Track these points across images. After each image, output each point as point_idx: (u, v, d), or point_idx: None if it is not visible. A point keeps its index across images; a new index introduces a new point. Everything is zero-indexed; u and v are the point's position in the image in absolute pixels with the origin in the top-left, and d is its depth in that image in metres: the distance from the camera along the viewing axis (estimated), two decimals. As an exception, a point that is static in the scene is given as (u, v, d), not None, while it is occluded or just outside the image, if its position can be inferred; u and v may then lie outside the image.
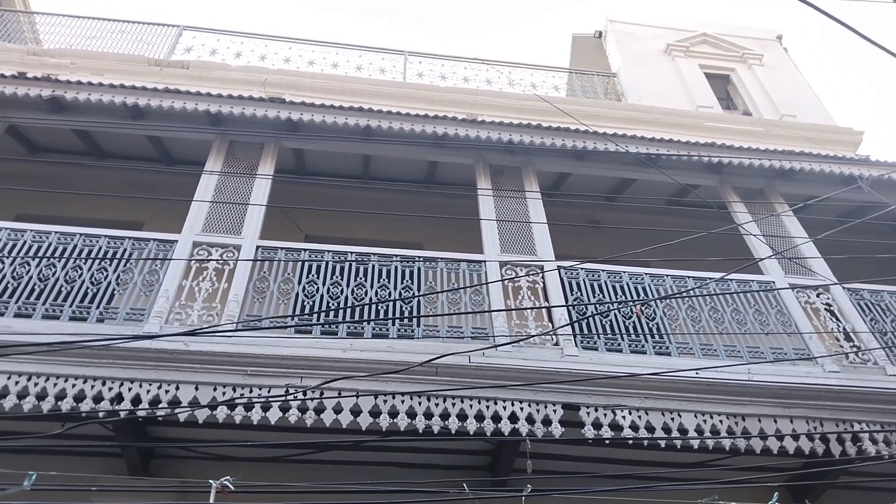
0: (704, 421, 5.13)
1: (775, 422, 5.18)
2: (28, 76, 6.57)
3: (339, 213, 7.13)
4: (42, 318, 5.05)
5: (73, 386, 4.66)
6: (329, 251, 5.93)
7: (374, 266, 5.86)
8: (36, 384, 4.66)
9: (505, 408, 4.90)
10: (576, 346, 5.41)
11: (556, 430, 4.86)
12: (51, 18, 10.19)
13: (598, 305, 5.78)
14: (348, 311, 5.51)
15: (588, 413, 4.98)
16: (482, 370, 5.03)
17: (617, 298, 5.93)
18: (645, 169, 7.18)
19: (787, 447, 5.06)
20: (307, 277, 5.74)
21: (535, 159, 7.02)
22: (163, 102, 6.44)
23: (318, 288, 5.67)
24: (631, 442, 4.99)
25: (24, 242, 5.54)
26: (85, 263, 5.44)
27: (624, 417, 5.01)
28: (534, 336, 5.31)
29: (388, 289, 5.72)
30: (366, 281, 5.74)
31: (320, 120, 6.64)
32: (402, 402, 4.82)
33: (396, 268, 5.87)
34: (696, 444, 5.15)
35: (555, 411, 4.94)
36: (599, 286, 5.99)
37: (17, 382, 4.65)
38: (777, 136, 9.23)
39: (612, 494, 4.16)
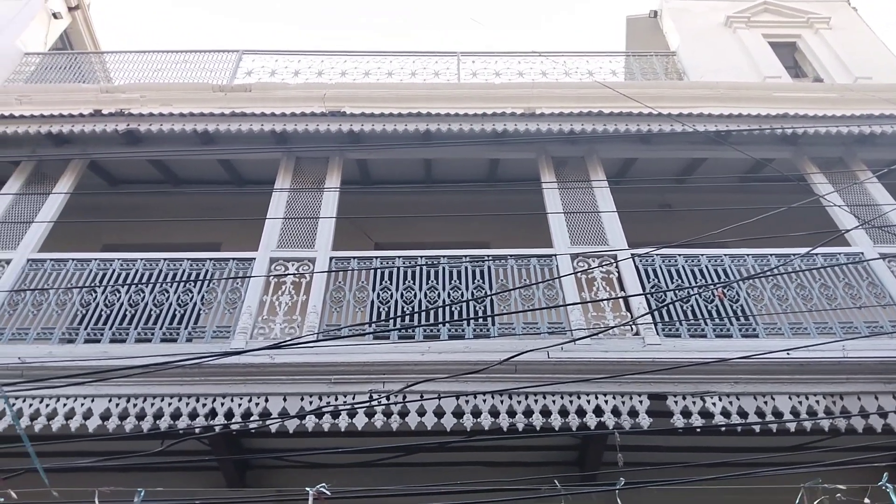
0: (800, 402, 4.92)
1: (876, 398, 4.92)
2: (104, 113, 6.91)
3: (405, 219, 7.19)
4: (135, 342, 5.31)
5: (170, 404, 4.87)
6: (399, 257, 6.00)
7: (444, 268, 5.89)
8: (135, 405, 4.89)
9: (589, 401, 4.83)
10: (657, 334, 5.29)
11: (644, 421, 4.75)
12: (119, 56, 10.71)
13: (677, 291, 5.62)
14: (423, 314, 5.56)
15: (676, 402, 4.86)
16: (562, 365, 4.98)
17: (696, 282, 5.77)
18: (715, 147, 6.95)
19: (892, 424, 4.80)
20: (380, 284, 5.82)
21: (599, 147, 6.90)
22: (230, 126, 6.67)
23: (391, 294, 5.75)
24: (723, 429, 4.82)
25: (113, 271, 5.84)
26: (171, 286, 5.68)
27: (714, 404, 4.86)
28: (613, 327, 5.21)
29: (459, 289, 5.75)
30: (437, 283, 5.78)
31: (381, 129, 6.73)
32: (484, 401, 4.83)
33: (466, 268, 5.88)
34: (792, 427, 4.92)
35: (641, 402, 4.84)
36: (677, 271, 5.83)
37: (117, 404, 4.90)
38: (853, 101, 8.75)
39: (709, 483, 4.03)
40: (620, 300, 5.53)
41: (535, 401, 4.82)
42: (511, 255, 5.92)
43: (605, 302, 5.46)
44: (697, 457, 5.16)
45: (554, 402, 4.83)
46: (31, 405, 4.86)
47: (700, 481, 4.15)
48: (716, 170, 7.55)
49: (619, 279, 5.72)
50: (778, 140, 7.01)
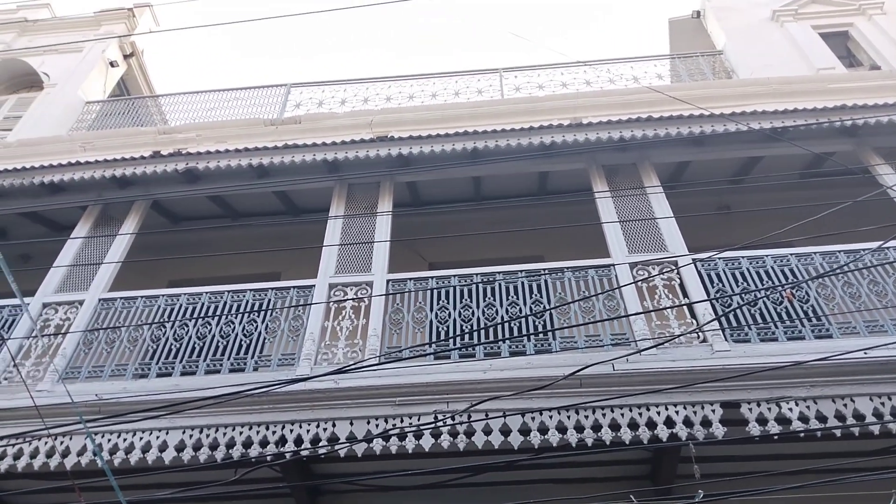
0: (882, 404, 4.69)
1: (965, 395, 4.65)
2: (163, 154, 7.19)
3: (457, 238, 7.19)
4: (205, 374, 5.45)
5: (241, 433, 4.97)
6: (455, 276, 6.00)
7: (500, 284, 5.87)
8: (207, 435, 5.01)
9: (659, 413, 4.71)
10: (726, 340, 5.14)
11: (718, 430, 4.60)
12: (173, 98, 11.15)
13: (743, 295, 5.46)
14: (482, 332, 5.55)
15: (750, 409, 4.69)
16: (629, 377, 4.88)
17: (763, 284, 5.59)
18: (771, 144, 6.76)
19: None
20: (438, 304, 5.83)
21: (651, 153, 6.79)
22: (284, 158, 6.85)
23: (449, 313, 5.75)
24: (802, 435, 4.64)
25: (180, 306, 6.02)
26: (236, 318, 5.83)
27: (791, 409, 4.67)
28: (679, 336, 5.08)
29: (517, 305, 5.71)
30: (495, 300, 5.76)
31: (429, 150, 6.79)
32: (551, 417, 4.76)
33: (523, 283, 5.84)
34: (876, 429, 4.69)
35: (713, 411, 4.69)
36: (741, 274, 5.67)
37: (191, 436, 5.03)
38: (915, 86, 8.41)
39: (794, 492, 3.87)
40: (685, 307, 5.40)
41: (603, 414, 4.73)
42: (568, 268, 5.86)
43: (668, 310, 5.34)
44: (777, 465, 4.98)
45: (622, 414, 4.73)
46: (109, 440, 5.03)
47: (782, 490, 4.00)
48: (774, 168, 7.34)
49: (682, 286, 5.59)
50: (837, 132, 6.77)
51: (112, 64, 12.31)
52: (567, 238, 6.94)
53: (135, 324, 5.93)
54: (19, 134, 10.41)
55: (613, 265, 5.79)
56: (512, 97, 9.28)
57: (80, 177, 7.01)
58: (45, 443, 5.06)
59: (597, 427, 4.70)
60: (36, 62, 11.96)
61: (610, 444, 4.65)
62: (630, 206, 6.37)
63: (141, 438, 5.01)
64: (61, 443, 5.05)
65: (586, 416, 4.74)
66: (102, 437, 5.01)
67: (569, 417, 4.75)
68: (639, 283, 5.54)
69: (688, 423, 4.66)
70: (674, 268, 5.69)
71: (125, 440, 5.02)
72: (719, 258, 5.73)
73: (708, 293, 5.51)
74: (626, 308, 5.41)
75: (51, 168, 7.11)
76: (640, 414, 4.73)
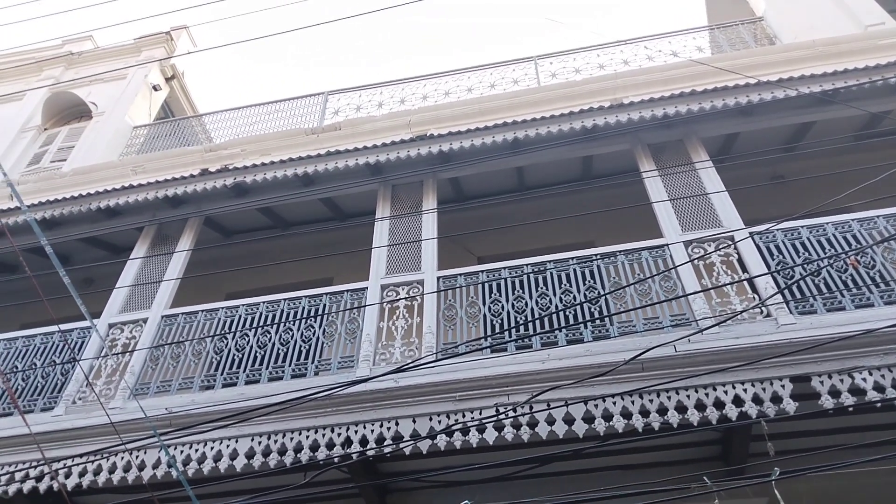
0: (963, 367, 4.48)
1: None
2: (211, 170, 7.35)
3: (504, 230, 7.16)
4: (268, 381, 5.57)
5: (307, 437, 5.06)
6: (505, 268, 5.97)
7: (551, 273, 5.81)
8: (275, 441, 5.12)
9: (726, 392, 4.60)
10: (790, 312, 4.98)
11: (789, 406, 4.47)
12: (216, 116, 11.39)
13: (805, 265, 5.28)
14: (537, 322, 5.51)
15: (822, 382, 4.54)
16: (692, 357, 4.77)
17: (825, 253, 5.39)
18: (823, 108, 6.52)
19: None
20: (490, 297, 5.82)
21: (697, 127, 6.62)
22: (327, 165, 6.93)
23: (502, 305, 5.73)
24: (879, 405, 4.46)
25: (240, 316, 6.16)
26: (293, 325, 5.93)
27: (864, 379, 4.50)
28: (741, 312, 4.95)
29: (571, 293, 5.65)
30: (547, 289, 5.71)
31: (469, 145, 6.77)
32: (614, 403, 4.70)
33: (575, 270, 5.78)
34: (959, 396, 4.48)
35: (783, 386, 4.56)
36: (801, 244, 5.48)
37: (259, 442, 5.15)
38: (974, 35, 7.99)
39: (874, 464, 3.73)
40: (745, 283, 5.25)
41: (668, 397, 4.65)
42: (620, 251, 5.76)
43: (728, 287, 5.21)
44: (853, 438, 4.82)
45: (688, 396, 4.64)
46: (182, 451, 5.18)
47: (862, 463, 3.85)
48: (827, 132, 7.07)
49: (740, 261, 5.44)
50: (892, 90, 6.48)
51: (155, 88, 12.67)
52: (617, 221, 6.83)
53: (197, 337, 6.09)
54: (73, 163, 10.80)
55: (667, 245, 5.67)
56: (549, 84, 9.16)
57: (135, 199, 7.23)
58: (122, 458, 5.25)
59: (662, 410, 4.62)
60: (83, 93, 12.39)
61: (677, 427, 4.56)
62: (680, 183, 6.23)
63: (212, 448, 5.15)
64: (136, 457, 5.23)
65: (651, 400, 4.66)
66: (175, 449, 5.17)
67: (633, 402, 4.68)
68: (695, 262, 5.42)
69: (757, 400, 4.55)
70: (730, 243, 5.54)
71: (197, 451, 5.16)
72: (777, 229, 5.56)
73: (768, 266, 5.35)
74: (683, 288, 5.30)
75: (105, 193, 7.36)
76: (707, 394, 4.63)
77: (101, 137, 11.32)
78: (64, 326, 6.16)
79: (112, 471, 5.22)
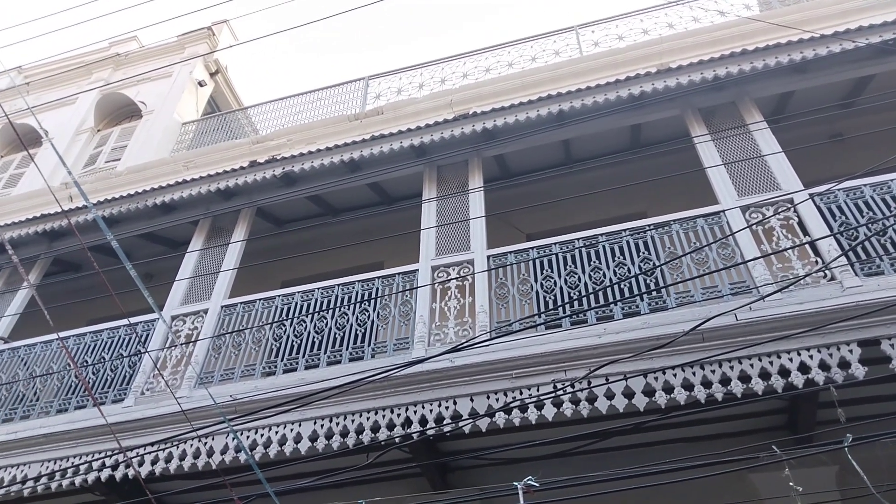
0: None
1: None
2: (259, 162, 7.47)
3: (553, 205, 7.07)
4: (327, 365, 5.67)
5: (368, 419, 5.14)
6: (556, 243, 5.91)
7: (604, 246, 5.73)
8: (337, 423, 5.22)
9: (791, 359, 4.47)
10: (856, 275, 4.79)
11: (858, 371, 4.32)
12: (260, 108, 11.56)
13: (870, 225, 5.06)
14: (591, 296, 5.45)
15: (892, 345, 4.37)
16: (754, 325, 4.65)
17: (890, 212, 5.16)
18: (882, 60, 6.20)
19: None
20: (542, 274, 5.77)
21: (749, 87, 6.38)
22: (373, 150, 6.95)
23: (555, 281, 5.68)
24: (956, 367, 4.27)
25: (296, 303, 6.28)
26: (348, 309, 6.01)
27: (939, 341, 4.31)
28: (804, 276, 4.78)
29: (625, 265, 5.56)
30: (601, 263, 5.63)
31: (513, 120, 6.70)
32: (675, 375, 4.63)
33: (628, 242, 5.68)
34: None
35: (850, 351, 4.41)
36: (865, 203, 5.25)
37: (322, 425, 5.25)
38: None
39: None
40: (806, 246, 5.07)
41: (731, 367, 4.54)
42: (675, 220, 5.63)
43: (789, 251, 5.03)
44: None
45: (752, 365, 4.52)
46: (248, 437, 5.33)
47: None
48: (887, 85, 6.71)
49: (801, 224, 5.25)
50: (960, 35, 6.11)
51: (200, 84, 12.92)
52: (668, 190, 6.68)
53: (257, 325, 6.24)
54: (127, 162, 11.13)
55: (724, 211, 5.51)
56: (592, 53, 8.97)
57: (188, 194, 7.41)
58: (191, 444, 5.43)
59: (725, 381, 4.53)
60: (132, 93, 12.73)
61: (742, 397, 4.46)
62: (733, 146, 6.03)
63: (276, 432, 5.28)
64: (205, 443, 5.40)
65: (713, 371, 4.57)
66: (241, 434, 5.32)
67: (694, 374, 4.59)
68: (754, 227, 5.26)
69: (824, 366, 4.41)
70: (790, 206, 5.36)
71: (262, 435, 5.30)
72: (838, 189, 5.34)
73: (830, 228, 5.16)
74: (742, 254, 5.15)
75: (160, 189, 7.56)
76: (771, 362, 4.51)
77: (152, 135, 11.62)
78: (132, 320, 6.37)
79: (182, 457, 5.42)
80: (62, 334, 5.97)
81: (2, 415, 6.48)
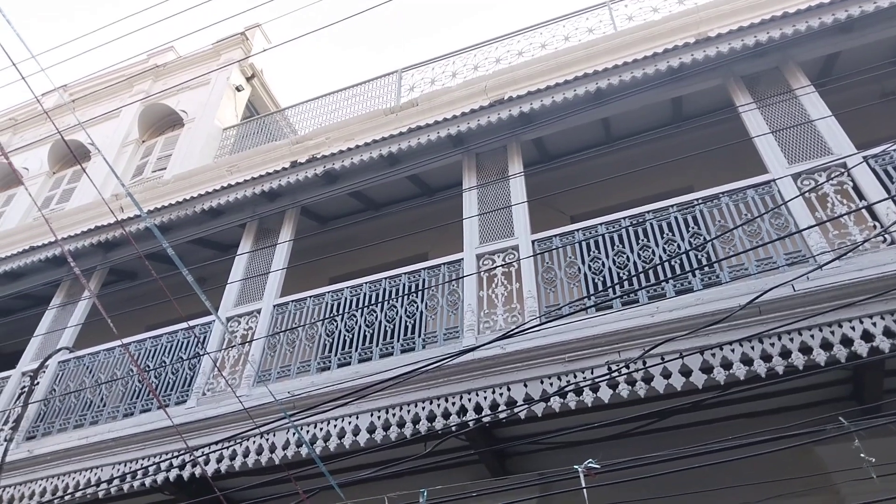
0: None
1: None
2: (300, 162, 7.56)
3: (595, 185, 6.96)
4: (380, 358, 5.74)
5: (423, 408, 5.19)
6: (601, 223, 5.85)
7: (651, 224, 5.64)
8: (393, 414, 5.28)
9: (854, 328, 4.34)
10: (919, 237, 4.62)
11: (927, 336, 4.17)
12: (297, 108, 11.68)
13: (931, 184, 4.87)
14: (641, 276, 5.37)
15: (961, 307, 4.20)
16: (813, 295, 4.52)
17: (953, 169, 4.95)
18: (936, 11, 5.93)
19: None
20: (589, 256, 5.72)
21: (793, 51, 6.17)
22: (410, 142, 6.98)
23: (602, 262, 5.63)
24: None
25: (345, 298, 6.36)
26: (397, 301, 6.06)
27: None
28: (863, 242, 4.63)
29: (675, 241, 5.47)
30: (649, 241, 5.55)
31: (550, 101, 6.63)
32: (733, 351, 4.54)
33: (676, 218, 5.58)
34: None
35: (918, 316, 4.25)
36: (924, 162, 5.05)
37: (378, 417, 5.32)
38: None
39: None
40: (863, 211, 4.90)
41: (791, 339, 4.44)
42: (724, 192, 5.50)
43: (845, 217, 4.88)
44: None
45: (812, 336, 4.41)
46: (308, 431, 5.44)
47: None
48: (942, 36, 6.43)
49: (856, 188, 5.08)
50: None
51: (238, 88, 13.13)
52: (714, 162, 6.54)
53: (309, 322, 6.34)
54: (172, 170, 11.40)
55: (774, 180, 5.37)
56: (626, 28, 8.77)
57: (234, 197, 7.56)
58: (254, 441, 5.57)
59: (785, 353, 4.43)
60: (173, 102, 13.02)
61: (803, 369, 4.35)
62: (780, 113, 5.86)
63: (335, 426, 5.37)
64: (267, 440, 5.53)
65: (772, 344, 4.47)
66: (301, 429, 5.42)
67: (753, 348, 4.50)
68: (807, 194, 5.10)
69: (889, 333, 4.28)
70: (843, 170, 5.18)
71: (321, 429, 5.40)
72: (894, 150, 5.14)
73: (888, 190, 4.98)
74: (796, 223, 5.01)
75: (207, 195, 7.73)
76: (833, 332, 4.40)
77: (195, 143, 11.87)
78: (190, 323, 6.54)
79: (246, 454, 5.56)
80: (125, 340, 6.17)
81: (73, 421, 6.75)
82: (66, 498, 6.08)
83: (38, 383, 7.16)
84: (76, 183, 12.84)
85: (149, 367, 6.84)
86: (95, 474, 6.14)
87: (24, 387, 7.23)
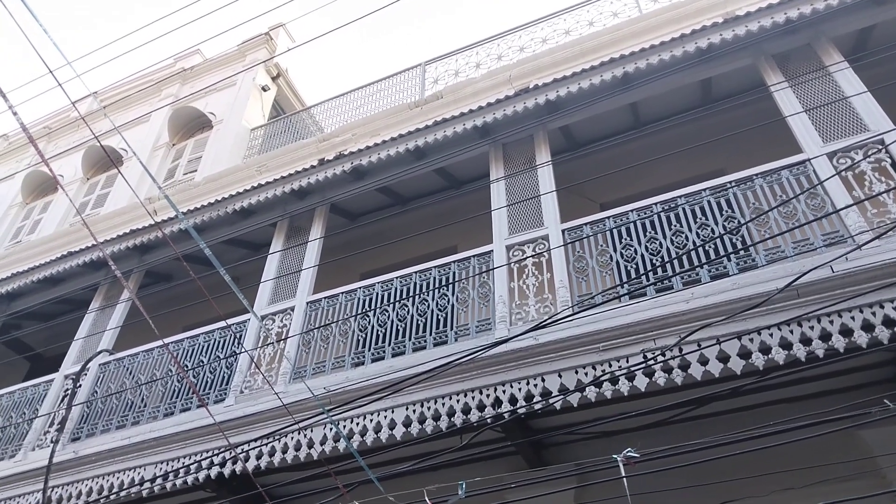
0: None
1: None
2: (328, 159, 7.61)
3: (625, 172, 6.86)
4: (413, 352, 5.76)
5: (458, 401, 5.20)
6: (632, 210, 5.78)
7: (683, 209, 5.56)
8: (428, 407, 5.30)
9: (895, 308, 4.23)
10: (963, 213, 4.48)
11: (974, 315, 4.04)
12: (323, 106, 11.74)
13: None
14: (675, 262, 5.30)
15: None
16: (852, 276, 4.42)
17: None
18: (975, -23, 5.72)
19: None
20: (621, 243, 5.66)
21: (825, 27, 6.00)
22: (436, 135, 6.97)
23: (635, 249, 5.56)
24: None
25: (376, 294, 6.39)
26: (428, 295, 6.07)
27: None
28: (904, 220, 4.51)
29: (708, 226, 5.38)
30: (682, 226, 5.47)
31: (576, 88, 6.56)
32: (771, 335, 4.46)
33: (709, 202, 5.49)
34: None
35: (964, 295, 4.13)
36: (966, 136, 4.89)
37: (414, 410, 5.35)
38: None
39: None
40: (904, 188, 4.77)
41: (831, 322, 4.34)
42: (757, 174, 5.39)
43: (884, 195, 4.75)
44: None
45: (853, 318, 4.31)
46: (345, 426, 5.49)
47: None
48: (983, 3, 6.20)
49: (895, 165, 4.93)
50: None
51: (264, 88, 13.25)
52: (746, 144, 6.40)
53: (342, 318, 6.40)
54: (203, 172, 11.56)
55: (809, 160, 5.24)
56: (652, 10, 8.63)
57: (265, 197, 7.65)
58: (292, 437, 5.64)
59: (826, 336, 4.34)
60: (201, 105, 13.19)
61: (844, 352, 4.25)
62: (813, 91, 5.71)
63: (371, 420, 5.42)
64: (305, 435, 5.60)
65: (811, 327, 4.38)
66: (338, 424, 5.48)
67: (791, 332, 4.42)
68: (843, 173, 4.98)
69: (934, 313, 4.15)
70: (881, 147, 5.04)
71: (358, 424, 5.45)
72: (936, 124, 4.98)
73: (929, 165, 4.83)
74: (833, 203, 4.89)
75: (238, 196, 7.82)
76: (874, 313, 4.29)
77: (224, 144, 12.02)
78: (228, 321, 6.63)
79: (285, 450, 5.63)
80: (166, 340, 6.28)
81: (115, 422, 6.91)
82: (112, 497, 6.24)
83: (80, 386, 7.34)
84: (109, 188, 13.10)
85: (187, 366, 6.96)
86: (139, 473, 6.28)
87: (67, 389, 7.42)
